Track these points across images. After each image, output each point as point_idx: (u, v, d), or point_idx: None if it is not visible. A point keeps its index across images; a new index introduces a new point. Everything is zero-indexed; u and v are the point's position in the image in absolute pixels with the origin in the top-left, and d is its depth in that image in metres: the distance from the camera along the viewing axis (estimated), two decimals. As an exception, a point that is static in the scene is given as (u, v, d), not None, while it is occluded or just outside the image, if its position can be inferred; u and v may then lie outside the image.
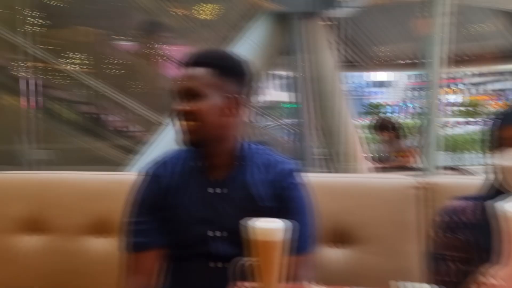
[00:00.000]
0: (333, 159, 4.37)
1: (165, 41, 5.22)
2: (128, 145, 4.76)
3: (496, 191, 1.06)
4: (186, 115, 1.12)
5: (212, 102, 1.12)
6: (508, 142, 1.06)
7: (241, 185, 1.16)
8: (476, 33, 7.15)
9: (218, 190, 1.16)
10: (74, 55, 5.29)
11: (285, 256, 0.88)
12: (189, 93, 1.12)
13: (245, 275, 0.90)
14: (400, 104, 23.89)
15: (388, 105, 22.44)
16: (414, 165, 3.78)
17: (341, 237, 1.68)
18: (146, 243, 1.16)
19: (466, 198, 1.18)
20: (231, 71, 1.16)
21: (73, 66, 5.24)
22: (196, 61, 1.15)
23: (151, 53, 5.36)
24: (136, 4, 5.02)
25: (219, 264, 1.13)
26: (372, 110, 18.90)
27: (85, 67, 5.34)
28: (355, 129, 4.93)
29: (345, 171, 4.28)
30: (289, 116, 6.82)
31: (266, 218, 0.89)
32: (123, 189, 1.23)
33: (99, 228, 1.46)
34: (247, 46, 4.01)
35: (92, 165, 4.17)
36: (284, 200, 1.17)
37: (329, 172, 4.35)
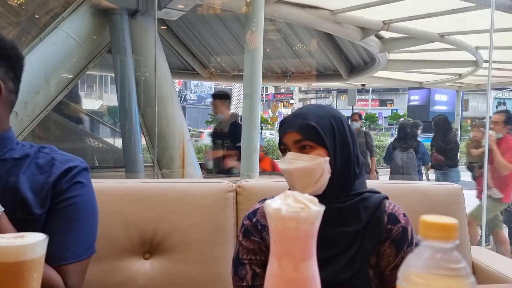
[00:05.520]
0: (161, 166, 4.22)
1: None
2: None
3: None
4: None
5: None
6: (284, 147, 1.12)
7: (7, 190, 0.97)
8: (301, 51, 7.87)
9: None
10: None
11: (32, 278, 0.70)
12: None
13: None
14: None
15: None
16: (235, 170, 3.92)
17: (150, 247, 1.56)
18: None
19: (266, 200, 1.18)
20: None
21: None
22: None
23: None
24: None
25: None
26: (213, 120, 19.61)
27: None
28: (188, 135, 4.87)
29: (172, 177, 4.17)
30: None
31: (30, 231, 0.75)
32: None
33: None
34: (62, 37, 3.62)
35: None
36: (60, 202, 1.02)
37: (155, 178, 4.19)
